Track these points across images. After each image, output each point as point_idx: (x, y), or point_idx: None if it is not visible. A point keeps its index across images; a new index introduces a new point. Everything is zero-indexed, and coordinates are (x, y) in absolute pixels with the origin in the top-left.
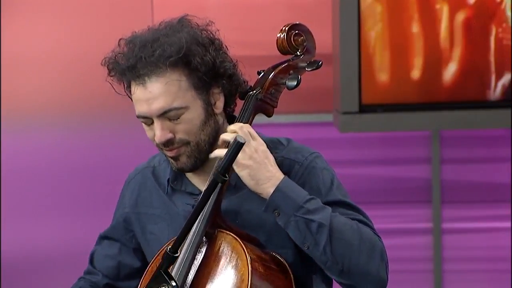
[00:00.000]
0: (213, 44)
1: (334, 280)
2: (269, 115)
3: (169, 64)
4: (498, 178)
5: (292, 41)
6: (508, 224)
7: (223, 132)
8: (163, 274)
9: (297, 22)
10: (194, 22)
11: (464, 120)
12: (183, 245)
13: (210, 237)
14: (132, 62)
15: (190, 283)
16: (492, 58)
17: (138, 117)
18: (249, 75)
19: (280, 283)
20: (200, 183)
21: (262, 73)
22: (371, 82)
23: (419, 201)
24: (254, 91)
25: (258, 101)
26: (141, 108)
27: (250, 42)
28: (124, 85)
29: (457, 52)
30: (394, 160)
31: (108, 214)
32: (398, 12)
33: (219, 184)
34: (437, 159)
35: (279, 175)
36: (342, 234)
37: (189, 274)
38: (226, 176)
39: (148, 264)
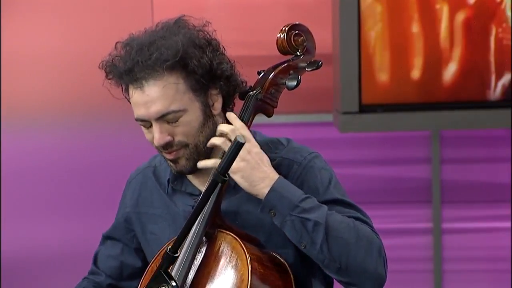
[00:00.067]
0: (210, 45)
1: (333, 278)
2: (269, 115)
3: (166, 68)
4: (498, 178)
5: (292, 41)
6: (508, 224)
7: None
8: (163, 274)
9: (297, 22)
10: (191, 23)
11: (464, 120)
12: (183, 245)
13: (210, 237)
14: (129, 66)
15: (190, 283)
16: (492, 58)
17: (137, 120)
18: (249, 75)
19: (280, 283)
20: (200, 184)
21: (262, 73)
22: (371, 82)
23: (419, 201)
24: (254, 91)
25: (258, 101)
26: (139, 111)
27: (250, 42)
28: (122, 88)
29: (457, 52)
30: (394, 160)
31: (108, 214)
32: (398, 12)
33: (219, 185)
34: (437, 159)
35: (274, 176)
36: (338, 232)
37: (189, 274)
38: (226, 176)
39: (148, 264)
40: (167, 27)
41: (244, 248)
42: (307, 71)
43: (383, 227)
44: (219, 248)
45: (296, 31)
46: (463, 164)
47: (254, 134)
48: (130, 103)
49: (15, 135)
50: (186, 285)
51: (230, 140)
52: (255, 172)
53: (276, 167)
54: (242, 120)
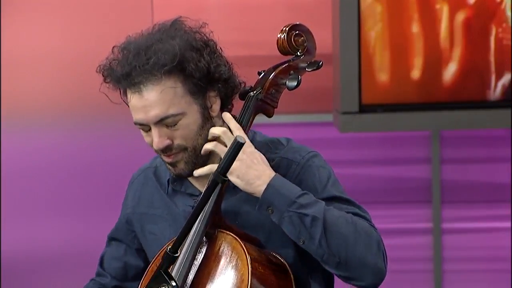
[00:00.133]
0: (208, 47)
1: (333, 273)
2: (269, 115)
3: (164, 72)
4: (498, 178)
5: (293, 42)
6: (508, 224)
7: None
8: (163, 274)
9: (298, 23)
10: (188, 25)
11: (464, 120)
12: (183, 245)
13: (210, 237)
14: (127, 70)
15: (190, 283)
16: (492, 58)
17: (136, 124)
18: (249, 75)
19: (280, 283)
20: (200, 184)
21: (263, 73)
22: (371, 82)
23: (419, 201)
24: (255, 92)
25: (259, 101)
26: (138, 115)
27: (250, 42)
28: (120, 92)
29: (457, 52)
30: (394, 160)
31: (108, 214)
32: (398, 12)
33: (219, 185)
34: (437, 159)
35: (270, 173)
36: (336, 227)
37: (189, 274)
38: (226, 177)
39: (149, 264)
40: (164, 29)
41: (244, 248)
42: (308, 71)
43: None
44: (219, 248)
45: (297, 32)
46: (463, 164)
47: (254, 134)
48: (128, 106)
49: (15, 135)
50: (186, 285)
51: (223, 142)
52: (250, 171)
53: (275, 167)
54: (242, 121)
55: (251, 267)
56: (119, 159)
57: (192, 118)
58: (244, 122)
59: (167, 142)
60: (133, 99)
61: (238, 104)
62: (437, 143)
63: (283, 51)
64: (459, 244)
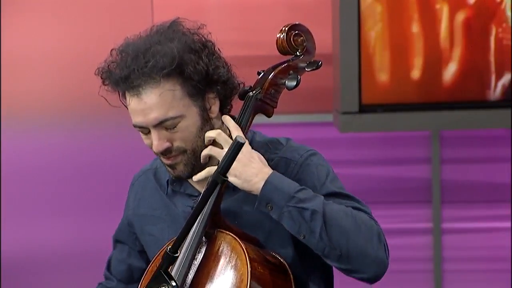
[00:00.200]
0: (206, 48)
1: (336, 267)
2: (268, 115)
3: (163, 75)
4: (498, 178)
5: (292, 42)
6: (508, 224)
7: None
8: (163, 274)
9: (297, 23)
10: (186, 26)
11: (464, 120)
12: (183, 245)
13: (209, 237)
14: (126, 73)
15: (189, 283)
16: (492, 58)
17: (135, 126)
18: (249, 75)
19: (279, 282)
20: (199, 185)
21: (262, 73)
22: (371, 82)
23: (419, 201)
24: (254, 92)
25: (258, 101)
26: (137, 118)
27: (250, 42)
28: (119, 94)
29: (457, 52)
30: (394, 160)
31: (108, 214)
32: (398, 12)
33: (219, 185)
34: (437, 159)
35: (267, 170)
36: (336, 220)
37: (189, 274)
38: (226, 177)
39: (148, 264)
40: (162, 31)
41: (244, 248)
42: (307, 71)
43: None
44: (218, 248)
45: (296, 31)
46: (463, 164)
47: (253, 134)
48: (127, 108)
49: (15, 135)
50: (185, 285)
51: (218, 144)
52: (247, 169)
53: (274, 166)
54: (241, 121)
55: (251, 267)
56: (119, 159)
57: (191, 120)
58: (244, 122)
59: (166, 144)
60: (132, 102)
61: (237, 104)
62: (437, 143)
63: (282, 51)
64: (459, 244)
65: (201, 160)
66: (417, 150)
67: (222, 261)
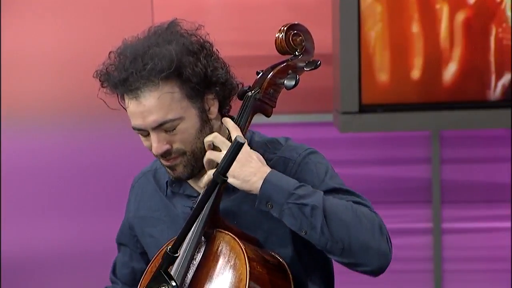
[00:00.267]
0: (204, 49)
1: (339, 262)
2: (267, 115)
3: (161, 78)
4: (498, 178)
5: (291, 41)
6: (508, 224)
7: (221, 135)
8: (163, 274)
9: (296, 22)
10: (184, 28)
11: (464, 120)
12: (182, 245)
13: (209, 237)
14: (124, 76)
15: (188, 282)
16: (492, 58)
17: (134, 129)
18: (249, 75)
19: (278, 282)
20: (199, 186)
21: (261, 73)
22: (371, 82)
23: (419, 201)
24: (253, 91)
25: (257, 101)
26: (136, 121)
27: (250, 42)
28: (118, 97)
29: (457, 52)
30: (394, 160)
31: (108, 214)
32: (398, 12)
33: (219, 185)
34: (437, 159)
35: (265, 169)
36: (337, 214)
37: (188, 274)
38: (226, 177)
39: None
40: (160, 33)
41: (243, 248)
42: (306, 70)
43: None
44: (218, 248)
45: (295, 31)
46: (463, 164)
47: (252, 134)
48: (126, 110)
49: (15, 135)
50: (184, 284)
51: (216, 147)
52: (245, 169)
53: (273, 166)
54: (240, 121)
55: (249, 267)
56: (119, 159)
57: (190, 122)
58: (242, 122)
59: (166, 147)
60: (131, 105)
61: (235, 105)
62: (437, 143)
63: (281, 50)
64: (459, 244)
65: (205, 167)
66: (417, 150)
67: (221, 261)
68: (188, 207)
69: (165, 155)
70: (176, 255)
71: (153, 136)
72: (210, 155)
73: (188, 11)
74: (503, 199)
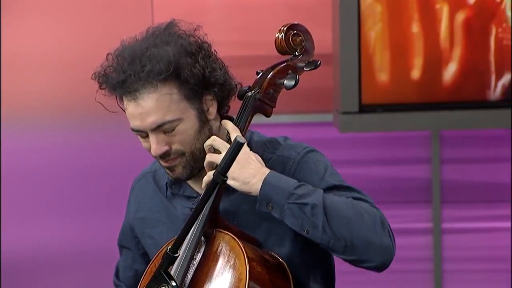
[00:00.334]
0: (202, 50)
1: (343, 260)
2: (267, 115)
3: (160, 80)
4: (498, 178)
5: (291, 41)
6: (508, 224)
7: (220, 136)
8: (163, 274)
9: (296, 22)
10: (182, 29)
11: (464, 120)
12: (182, 245)
13: (208, 237)
14: (122, 78)
15: (188, 282)
16: (492, 58)
17: (133, 130)
18: (249, 75)
19: (278, 282)
20: (198, 186)
21: (261, 73)
22: (371, 82)
23: (419, 201)
24: (253, 91)
25: (257, 101)
26: (135, 123)
27: (250, 42)
28: (116, 98)
29: (457, 52)
30: (394, 160)
31: (108, 214)
32: (398, 12)
33: (219, 185)
34: (437, 159)
35: (264, 170)
36: (337, 211)
37: (188, 274)
38: (226, 177)
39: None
40: (158, 33)
41: (242, 248)
42: (306, 70)
43: None
44: (217, 248)
45: (295, 31)
46: (463, 164)
47: (251, 135)
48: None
49: (15, 135)
50: (184, 284)
51: (216, 150)
52: (244, 170)
53: (272, 165)
54: (240, 121)
55: (249, 267)
56: (119, 159)
57: (189, 123)
58: (242, 122)
59: (165, 148)
60: (130, 107)
61: (234, 105)
62: (437, 143)
63: (281, 50)
64: (459, 244)
65: (206, 170)
66: (417, 150)
67: (221, 261)
68: (188, 208)
69: (164, 156)
70: (176, 255)
71: (152, 137)
72: (210, 157)
73: (188, 11)
74: (503, 199)
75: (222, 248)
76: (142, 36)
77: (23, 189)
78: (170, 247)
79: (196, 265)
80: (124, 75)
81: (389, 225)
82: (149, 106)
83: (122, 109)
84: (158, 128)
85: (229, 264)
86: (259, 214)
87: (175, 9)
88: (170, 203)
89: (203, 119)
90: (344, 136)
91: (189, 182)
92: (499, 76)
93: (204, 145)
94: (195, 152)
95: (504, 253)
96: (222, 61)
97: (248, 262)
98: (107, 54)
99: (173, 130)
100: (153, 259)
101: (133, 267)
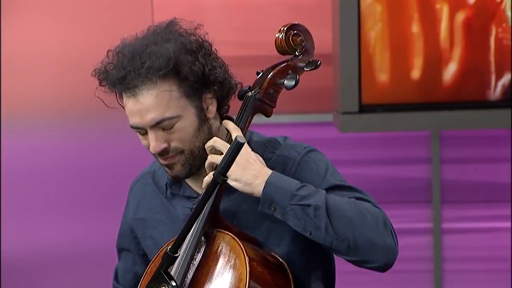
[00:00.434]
0: (203, 49)
1: (346, 260)
2: (267, 115)
3: (159, 76)
4: (498, 178)
5: (291, 41)
6: (508, 224)
7: (219, 135)
8: (163, 274)
9: (296, 22)
10: (183, 27)
11: (464, 120)
12: (182, 245)
13: (209, 237)
14: (122, 74)
15: (188, 282)
16: (492, 58)
17: (132, 127)
18: (249, 75)
19: (278, 282)
20: (198, 187)
21: (261, 73)
22: (371, 82)
23: (419, 201)
24: (253, 91)
25: (257, 101)
26: (134, 119)
27: (250, 42)
28: (116, 95)
29: (457, 52)
30: (394, 160)
31: (108, 214)
32: (398, 12)
33: (219, 185)
34: (437, 159)
35: (266, 171)
36: (340, 211)
37: (188, 274)
38: (226, 176)
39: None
40: (158, 32)
41: (243, 248)
42: (306, 71)
43: None
44: (217, 248)
45: (295, 31)
46: (463, 164)
47: (251, 135)
48: (124, 109)
49: (15, 135)
50: (184, 284)
51: (217, 150)
52: (247, 172)
53: (272, 165)
54: (240, 121)
55: (249, 267)
56: (119, 159)
57: (188, 120)
58: (242, 122)
59: (163, 145)
60: (129, 103)
61: (234, 105)
62: (437, 143)
63: (281, 51)
64: (459, 244)
65: (207, 171)
66: (417, 150)
67: (221, 261)
68: (188, 208)
69: (163, 153)
70: (176, 255)
71: (151, 134)
72: (211, 158)
73: (188, 11)
74: (503, 199)
75: (222, 248)
76: (143, 34)
77: (23, 189)
78: (170, 247)
79: (196, 265)
80: (124, 71)
81: (392, 225)
82: (149, 102)
83: (122, 106)
84: (157, 125)
85: (229, 264)
86: (260, 214)
87: (175, 9)
88: (170, 204)
89: (202, 117)
90: (344, 136)
91: (189, 182)
92: (499, 76)
93: (206, 146)
94: (194, 150)
95: (504, 253)
96: (222, 60)
97: (249, 262)
98: (108, 51)
99: (172, 127)
100: (153, 259)
101: (133, 269)
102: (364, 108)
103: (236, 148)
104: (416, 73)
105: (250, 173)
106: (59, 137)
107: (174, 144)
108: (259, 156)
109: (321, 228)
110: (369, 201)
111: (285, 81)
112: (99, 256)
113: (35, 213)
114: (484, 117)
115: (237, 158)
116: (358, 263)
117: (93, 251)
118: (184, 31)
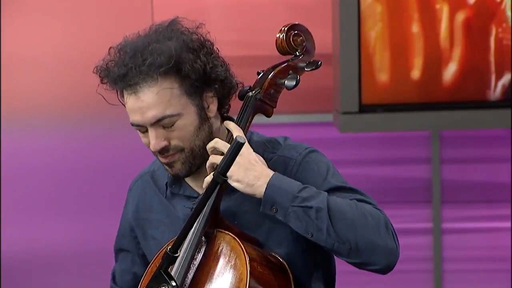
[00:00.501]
0: (204, 47)
1: (347, 263)
2: (268, 115)
3: (160, 73)
4: (498, 178)
5: (291, 42)
6: (508, 224)
7: (220, 135)
8: (163, 274)
9: (296, 22)
10: (185, 26)
11: (464, 120)
12: (183, 245)
13: (209, 237)
14: (123, 71)
15: (189, 282)
16: (492, 58)
17: (132, 125)
18: (249, 75)
19: (278, 282)
20: (198, 186)
21: (262, 73)
22: (371, 82)
23: (419, 201)
24: (253, 92)
25: (257, 101)
26: (134, 117)
27: (250, 42)
28: (117, 93)
29: (457, 52)
30: (394, 160)
31: (108, 214)
32: (398, 12)
33: (219, 185)
34: (437, 159)
35: (268, 172)
36: (341, 214)
37: (188, 274)
38: (226, 176)
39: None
40: (160, 30)
41: (243, 248)
42: (306, 71)
43: None
44: (218, 248)
45: (295, 31)
46: (463, 164)
47: (251, 135)
48: (125, 107)
49: (15, 135)
50: (185, 284)
51: (219, 151)
52: (249, 173)
53: (273, 165)
54: (241, 121)
55: (250, 267)
56: (119, 159)
57: (189, 119)
58: (243, 122)
59: (164, 143)
60: (130, 101)
61: (235, 105)
62: (437, 143)
63: (282, 51)
64: (459, 244)
65: (208, 171)
66: (417, 150)
67: (222, 261)
68: (188, 208)
69: (163, 151)
70: (176, 255)
71: (151, 132)
72: (212, 159)
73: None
74: (503, 199)
75: (223, 248)
76: (145, 32)
77: (23, 189)
78: (170, 247)
79: (196, 265)
80: (125, 68)
81: (393, 227)
82: (149, 100)
83: (123, 104)
84: (158, 122)
85: (229, 264)
86: (260, 214)
87: (175, 9)
88: (170, 203)
89: (203, 116)
90: (344, 136)
91: (189, 182)
92: (499, 76)
93: (207, 147)
94: (194, 149)
95: (504, 253)
96: (223, 59)
97: (249, 263)
98: (109, 48)
99: (173, 125)
100: (153, 259)
101: (131, 270)
102: (364, 108)
103: (236, 148)
104: (416, 73)
105: (252, 174)
106: (59, 137)
107: (174, 142)
108: (260, 157)
109: (322, 230)
110: (370, 203)
111: (286, 81)
112: (99, 256)
113: (35, 213)
114: (484, 117)
115: (239, 159)
116: (359, 265)
117: (93, 251)
118: (186, 29)
